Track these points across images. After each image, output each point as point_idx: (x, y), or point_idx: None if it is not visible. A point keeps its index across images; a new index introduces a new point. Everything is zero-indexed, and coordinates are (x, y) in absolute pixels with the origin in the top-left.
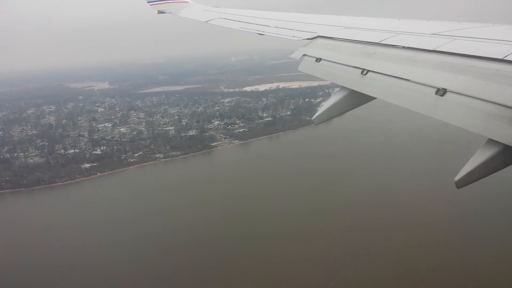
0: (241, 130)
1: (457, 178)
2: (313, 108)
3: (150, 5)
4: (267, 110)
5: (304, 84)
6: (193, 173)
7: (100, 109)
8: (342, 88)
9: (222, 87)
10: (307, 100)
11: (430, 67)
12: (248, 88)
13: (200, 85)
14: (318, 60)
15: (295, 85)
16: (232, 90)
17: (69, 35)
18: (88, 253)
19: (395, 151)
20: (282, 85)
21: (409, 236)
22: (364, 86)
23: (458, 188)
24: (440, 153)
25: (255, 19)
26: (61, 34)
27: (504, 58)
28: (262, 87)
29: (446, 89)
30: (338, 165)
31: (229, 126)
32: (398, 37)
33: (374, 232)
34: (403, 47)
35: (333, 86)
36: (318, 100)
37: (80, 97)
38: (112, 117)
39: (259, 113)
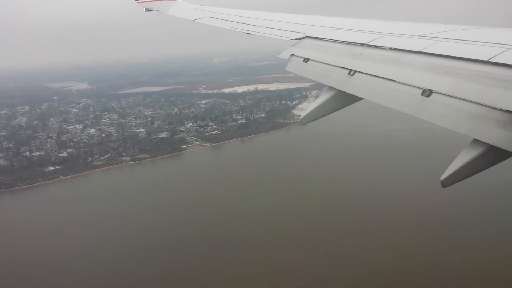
0: (213, 133)
1: (442, 177)
2: (288, 110)
3: (138, 3)
4: (243, 112)
5: (283, 86)
6: (156, 176)
7: (73, 110)
8: (330, 88)
9: (201, 89)
10: (283, 102)
11: (416, 68)
12: (226, 90)
13: (179, 86)
14: (306, 60)
15: (273, 87)
16: (210, 91)
17: (52, 32)
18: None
19: (364, 154)
20: (260, 87)
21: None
22: (351, 86)
23: (443, 187)
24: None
25: (244, 19)
26: (44, 31)
27: (489, 60)
28: (240, 89)
29: (432, 90)
30: (304, 167)
31: (202, 129)
32: (385, 38)
33: (327, 231)
34: (390, 48)
35: (311, 88)
36: (294, 103)
37: (55, 97)
38: (84, 118)
39: (234, 116)
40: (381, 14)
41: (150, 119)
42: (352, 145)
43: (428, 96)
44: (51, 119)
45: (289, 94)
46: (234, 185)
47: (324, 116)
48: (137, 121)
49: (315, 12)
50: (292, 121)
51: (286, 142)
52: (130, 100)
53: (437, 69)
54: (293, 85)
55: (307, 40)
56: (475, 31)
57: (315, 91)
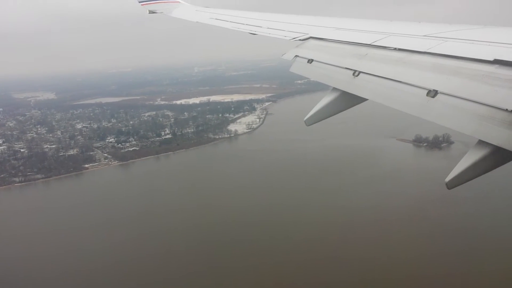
0: (131, 149)
1: (447, 179)
2: (225, 124)
3: (142, 4)
4: (176, 126)
5: (240, 97)
6: (28, 201)
7: (10, 123)
8: (334, 89)
9: (158, 100)
10: (226, 115)
11: (421, 69)
12: (179, 102)
13: (138, 97)
14: (310, 61)
15: (228, 98)
16: (164, 102)
17: (33, 40)
18: None
19: (264, 171)
20: (215, 98)
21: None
22: (355, 87)
23: (449, 189)
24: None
25: (247, 20)
26: (24, 39)
27: (495, 60)
28: (194, 100)
29: (437, 90)
30: (206, 186)
31: (120, 145)
32: (389, 39)
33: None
34: (395, 49)
35: (265, 100)
36: (237, 115)
37: (1, 109)
38: (12, 132)
39: (163, 130)
40: (372, 15)
41: (77, 133)
42: (261, 162)
43: (433, 97)
44: None
45: (239, 106)
46: (97, 215)
47: (328, 117)
48: (57, 136)
49: (318, 13)
50: (222, 136)
51: (198, 160)
52: (79, 111)
53: (442, 69)
54: (250, 96)
55: (311, 41)
56: (480, 30)
57: (268, 103)
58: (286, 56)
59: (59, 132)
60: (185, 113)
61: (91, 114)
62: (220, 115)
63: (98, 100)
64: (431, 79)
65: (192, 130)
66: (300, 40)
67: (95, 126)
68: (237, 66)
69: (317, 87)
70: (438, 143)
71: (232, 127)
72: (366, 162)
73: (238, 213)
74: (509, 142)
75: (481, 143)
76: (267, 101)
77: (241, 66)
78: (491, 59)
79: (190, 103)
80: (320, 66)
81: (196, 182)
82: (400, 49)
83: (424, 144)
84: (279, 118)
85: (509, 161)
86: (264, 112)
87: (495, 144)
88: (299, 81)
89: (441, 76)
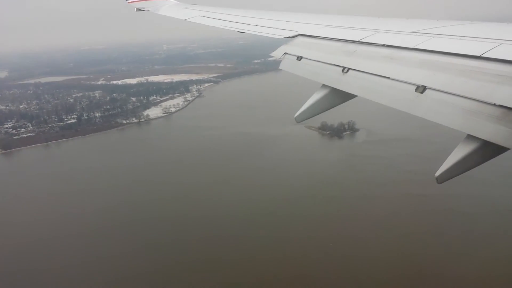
0: (25, 136)
1: (437, 174)
2: (143, 107)
3: (128, 2)
4: (91, 108)
5: (184, 77)
6: None
7: None
8: (324, 86)
9: (101, 79)
10: (153, 97)
11: (410, 65)
12: (119, 81)
13: (85, 76)
14: (299, 58)
15: (170, 78)
16: (103, 82)
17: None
18: None
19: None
20: (158, 78)
21: None
22: (345, 84)
23: (438, 183)
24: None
25: (236, 17)
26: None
27: (482, 55)
28: (132, 81)
29: (425, 86)
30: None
31: (14, 130)
32: (378, 35)
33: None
34: (383, 45)
35: (207, 81)
36: (163, 98)
37: None
38: None
39: (68, 114)
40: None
41: None
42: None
43: (422, 93)
44: None
45: (174, 87)
46: None
47: (318, 114)
48: None
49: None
50: (131, 121)
51: (80, 151)
52: (12, 92)
53: (430, 65)
54: (196, 77)
55: (300, 38)
56: (467, 26)
57: (208, 84)
58: (275, 53)
59: None
60: (114, 94)
61: (24, 95)
62: (143, 97)
63: (41, 79)
64: (419, 75)
65: (101, 114)
66: (289, 37)
67: (14, 108)
68: (211, 44)
69: (271, 68)
70: (341, 131)
71: (149, 111)
72: (252, 152)
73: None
74: (497, 136)
75: (470, 137)
76: (209, 82)
77: (215, 43)
78: (479, 54)
79: (128, 83)
80: (309, 63)
81: (48, 184)
82: (388, 46)
83: (328, 132)
84: (207, 101)
85: (497, 155)
86: (196, 94)
87: (484, 138)
88: (256, 61)
89: (429, 72)
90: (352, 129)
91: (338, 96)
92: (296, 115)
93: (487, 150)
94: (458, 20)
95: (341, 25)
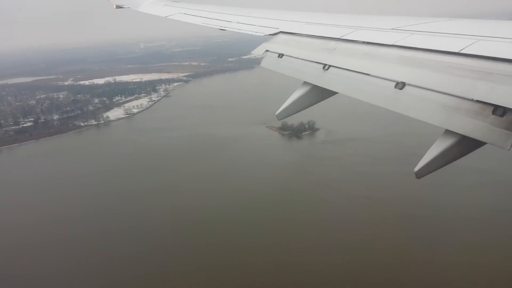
0: None
1: (416, 168)
2: (105, 108)
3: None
4: (50, 110)
5: (154, 76)
6: None
7: None
8: (305, 83)
9: (70, 80)
10: (117, 97)
11: (389, 61)
12: (87, 82)
13: (54, 76)
14: (281, 55)
15: (139, 78)
16: (70, 83)
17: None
18: None
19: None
20: (122, 78)
21: None
22: (326, 81)
23: (418, 178)
24: None
25: (217, 15)
26: None
27: (460, 52)
28: (104, 80)
29: (405, 82)
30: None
31: None
32: (358, 32)
33: None
34: (363, 42)
35: (176, 80)
36: (128, 98)
37: None
38: None
39: (25, 117)
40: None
41: None
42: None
43: (401, 89)
44: None
45: (141, 87)
46: None
47: (299, 111)
48: None
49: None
50: (90, 124)
51: (26, 157)
52: None
53: (409, 61)
54: (167, 76)
55: (281, 36)
56: (446, 23)
57: (177, 83)
58: (256, 51)
59: None
60: (78, 95)
61: None
62: (106, 98)
63: (9, 80)
64: (398, 71)
65: (60, 116)
66: (270, 35)
67: None
68: (189, 42)
69: (244, 66)
70: (301, 131)
71: (111, 112)
72: (208, 154)
73: None
74: (474, 131)
75: (448, 132)
76: (179, 81)
77: (194, 42)
78: (457, 50)
79: (95, 83)
80: (290, 61)
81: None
82: (368, 43)
83: (287, 132)
84: (173, 101)
85: (475, 149)
86: (163, 94)
87: (461, 133)
88: (231, 59)
89: (409, 68)
90: (312, 128)
91: (319, 93)
92: (277, 112)
93: (465, 145)
94: (437, 17)
95: (322, 23)
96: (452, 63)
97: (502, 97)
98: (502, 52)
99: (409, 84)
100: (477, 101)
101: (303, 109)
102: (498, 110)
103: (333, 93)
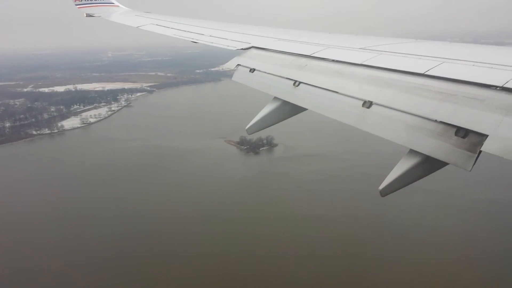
0: None
1: (381, 187)
2: (61, 117)
3: (78, 7)
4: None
5: (117, 86)
6: None
7: None
8: (275, 98)
9: (30, 87)
10: (76, 106)
11: (358, 80)
12: (47, 89)
13: (14, 83)
14: (252, 70)
15: (101, 87)
16: (29, 90)
17: None
18: None
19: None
20: (84, 86)
21: None
22: (296, 97)
23: (382, 196)
24: None
25: (189, 27)
26: None
27: (426, 73)
28: (64, 88)
29: (372, 101)
30: None
31: None
32: (328, 51)
33: None
34: (333, 60)
35: (141, 90)
36: (87, 107)
37: None
38: None
39: None
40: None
41: None
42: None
43: (368, 108)
44: None
45: (102, 96)
46: None
47: (270, 126)
48: None
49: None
50: (43, 132)
51: None
52: None
53: (377, 81)
54: (131, 85)
55: (253, 50)
56: (413, 44)
57: (140, 94)
58: (228, 65)
59: None
60: (36, 103)
61: None
62: (63, 107)
63: None
64: (366, 90)
65: (12, 124)
66: (242, 49)
67: None
68: (159, 52)
69: (211, 78)
70: (259, 146)
71: (67, 121)
72: (161, 167)
73: None
74: (437, 152)
75: (412, 152)
76: (143, 91)
77: (164, 52)
78: (423, 72)
79: (55, 91)
80: (262, 76)
81: None
82: (337, 61)
83: (245, 147)
84: (134, 112)
85: (438, 169)
86: (124, 104)
87: (425, 153)
88: (198, 71)
89: (376, 87)
90: (271, 144)
91: (289, 109)
92: (247, 127)
93: (428, 164)
94: (404, 38)
95: (293, 39)
96: (418, 84)
97: (464, 118)
98: (465, 74)
99: (376, 103)
100: (441, 122)
101: (273, 124)
102: (461, 132)
103: (302, 109)
